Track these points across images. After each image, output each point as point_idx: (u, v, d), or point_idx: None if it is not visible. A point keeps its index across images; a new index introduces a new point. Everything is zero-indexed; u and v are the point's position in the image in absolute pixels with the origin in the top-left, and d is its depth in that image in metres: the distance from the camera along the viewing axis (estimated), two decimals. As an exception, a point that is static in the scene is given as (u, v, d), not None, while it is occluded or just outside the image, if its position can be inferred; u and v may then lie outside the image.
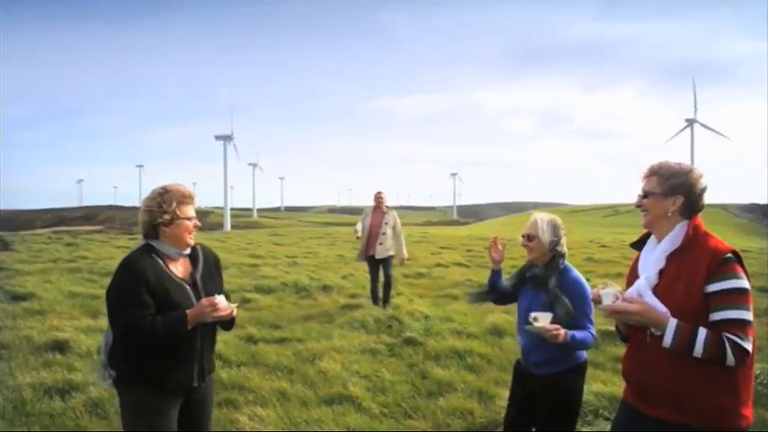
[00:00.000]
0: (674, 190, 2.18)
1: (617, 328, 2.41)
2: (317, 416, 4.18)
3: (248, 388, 4.70)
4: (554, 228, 2.91)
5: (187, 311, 2.41)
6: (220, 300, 2.43)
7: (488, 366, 5.31)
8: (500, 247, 3.08)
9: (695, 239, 2.13)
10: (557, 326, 2.70)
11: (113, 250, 15.57)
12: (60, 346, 5.67)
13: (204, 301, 2.41)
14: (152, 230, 2.49)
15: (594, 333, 2.81)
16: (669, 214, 2.18)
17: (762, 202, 69.61)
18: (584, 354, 2.94)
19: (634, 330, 2.24)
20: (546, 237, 2.88)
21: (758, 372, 4.56)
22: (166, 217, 2.45)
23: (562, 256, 2.92)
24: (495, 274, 3.13)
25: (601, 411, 4.01)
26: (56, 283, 9.55)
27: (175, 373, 2.49)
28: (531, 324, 2.73)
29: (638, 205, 2.27)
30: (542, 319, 2.76)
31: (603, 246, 18.12)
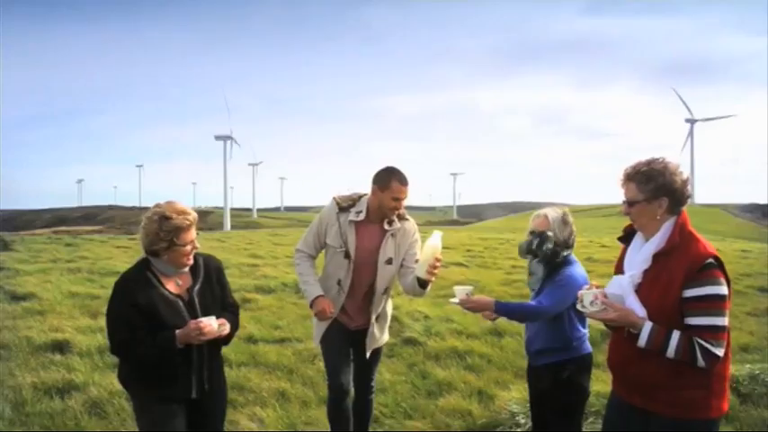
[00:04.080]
0: (657, 193, 2.16)
1: None
2: (317, 416, 4.18)
3: (248, 388, 4.69)
4: (562, 224, 2.89)
5: (177, 332, 2.43)
6: (208, 322, 2.44)
7: (488, 366, 5.30)
8: None
9: (680, 241, 2.15)
10: (476, 298, 2.73)
11: (113, 250, 15.56)
12: (60, 346, 5.66)
13: (191, 323, 2.44)
14: (151, 250, 2.52)
15: (545, 306, 2.76)
16: (658, 217, 2.19)
17: (762, 202, 69.67)
18: (587, 348, 2.94)
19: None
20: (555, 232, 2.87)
21: (758, 371, 4.56)
22: (163, 245, 2.48)
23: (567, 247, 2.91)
24: None
25: (602, 412, 3.99)
26: (56, 283, 9.52)
27: (172, 384, 2.53)
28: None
29: (626, 213, 2.26)
30: (458, 294, 2.75)
31: (603, 246, 18.06)
